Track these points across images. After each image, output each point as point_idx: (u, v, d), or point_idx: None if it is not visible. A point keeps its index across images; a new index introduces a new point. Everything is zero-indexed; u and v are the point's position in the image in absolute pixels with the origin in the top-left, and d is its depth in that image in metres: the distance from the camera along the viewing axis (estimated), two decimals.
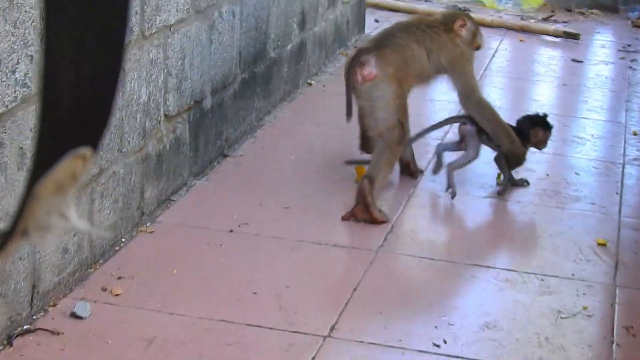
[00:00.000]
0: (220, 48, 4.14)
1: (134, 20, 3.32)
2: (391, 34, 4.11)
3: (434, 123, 4.36)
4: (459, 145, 4.19)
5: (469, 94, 4.12)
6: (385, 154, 3.88)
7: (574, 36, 6.86)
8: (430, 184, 4.15)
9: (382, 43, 4.05)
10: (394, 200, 3.94)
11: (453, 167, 4.06)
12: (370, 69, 4.01)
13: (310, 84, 5.39)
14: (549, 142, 4.31)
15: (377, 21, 7.06)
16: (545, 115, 4.27)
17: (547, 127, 4.24)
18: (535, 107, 5.17)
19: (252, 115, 4.61)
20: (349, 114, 4.03)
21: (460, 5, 7.68)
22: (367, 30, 6.67)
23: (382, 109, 3.97)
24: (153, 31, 3.49)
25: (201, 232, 3.55)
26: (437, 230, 3.74)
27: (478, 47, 4.26)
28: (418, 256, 3.46)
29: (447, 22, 4.18)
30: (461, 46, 4.14)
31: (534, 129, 4.20)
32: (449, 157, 4.15)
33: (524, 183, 4.19)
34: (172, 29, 3.65)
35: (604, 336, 3.00)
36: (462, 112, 4.23)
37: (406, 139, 3.98)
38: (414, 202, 3.95)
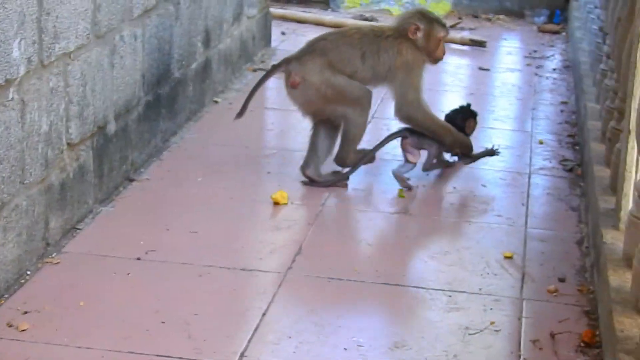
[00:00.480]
0: (123, 72, 4.17)
1: (31, 49, 3.35)
2: (321, 39, 4.45)
3: (375, 144, 4.47)
4: (408, 160, 4.44)
5: (402, 105, 4.34)
6: (350, 131, 4.37)
7: (481, 44, 7.02)
8: (338, 201, 4.23)
9: (307, 49, 4.42)
10: (301, 220, 4.02)
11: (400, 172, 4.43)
12: (294, 76, 4.38)
13: (216, 102, 5.45)
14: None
15: (283, 34, 7.15)
16: (469, 105, 4.63)
17: (475, 116, 4.63)
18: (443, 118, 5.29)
19: (157, 137, 4.65)
20: (240, 114, 4.49)
21: (367, 15, 7.80)
22: (273, 44, 6.76)
23: (323, 103, 4.38)
24: (52, 59, 3.51)
25: (108, 261, 3.58)
26: (346, 250, 3.82)
27: (437, 59, 4.45)
28: (327, 277, 3.53)
29: (400, 28, 4.38)
30: (408, 54, 4.33)
31: (468, 120, 4.59)
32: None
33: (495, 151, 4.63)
34: (72, 56, 3.68)
35: (511, 351, 3.10)
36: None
37: (364, 105, 4.35)
38: (322, 221, 4.03)
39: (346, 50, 4.37)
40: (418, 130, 4.40)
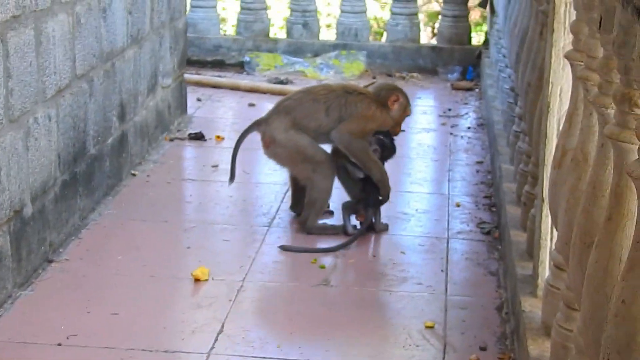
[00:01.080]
0: (38, 154, 4.17)
1: None
2: (287, 98, 4.82)
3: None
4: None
5: (344, 131, 4.70)
6: (312, 195, 4.70)
7: None
8: (259, 275, 4.26)
9: (273, 110, 4.79)
10: (222, 297, 4.03)
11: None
12: (265, 137, 4.74)
13: (134, 175, 5.45)
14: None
15: (199, 100, 7.18)
16: (388, 133, 4.89)
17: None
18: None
19: (75, 216, 4.65)
20: (231, 178, 4.80)
21: (282, 77, 7.88)
22: (190, 111, 6.79)
23: (291, 163, 4.78)
24: None
25: (28, 349, 3.56)
26: (268, 326, 3.85)
27: (397, 133, 4.95)
28: (250, 356, 3.55)
29: (378, 94, 4.82)
30: (375, 111, 4.75)
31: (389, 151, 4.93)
32: None
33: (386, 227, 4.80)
34: None
35: None
36: None
37: (327, 171, 4.71)
38: (243, 297, 4.05)
39: (310, 106, 4.73)
40: (352, 159, 4.75)
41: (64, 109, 4.47)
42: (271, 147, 4.75)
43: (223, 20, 14.23)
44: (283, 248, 4.51)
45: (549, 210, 3.52)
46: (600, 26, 2.55)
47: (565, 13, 3.60)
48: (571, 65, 3.24)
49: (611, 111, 2.49)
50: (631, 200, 2.31)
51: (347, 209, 4.79)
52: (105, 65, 5.02)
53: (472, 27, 8.90)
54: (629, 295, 2.07)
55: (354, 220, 4.77)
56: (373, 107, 4.75)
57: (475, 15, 12.58)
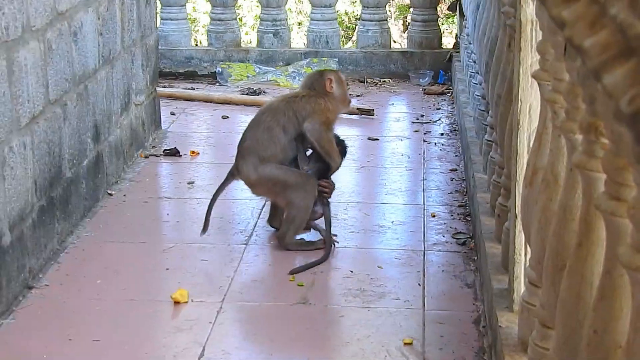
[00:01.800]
0: (15, 182, 4.20)
1: None
2: (243, 140, 4.93)
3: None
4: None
5: (314, 123, 4.84)
6: (291, 213, 4.79)
7: (368, 112, 7.18)
8: (239, 295, 4.30)
9: (237, 155, 4.92)
10: (202, 319, 4.07)
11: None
12: (246, 184, 4.92)
13: (110, 195, 5.48)
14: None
15: (173, 114, 7.21)
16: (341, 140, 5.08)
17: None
18: (336, 197, 5.41)
19: (53, 240, 4.67)
20: (204, 229, 4.83)
21: (255, 87, 7.92)
22: (164, 126, 6.82)
23: (272, 195, 4.90)
24: None
25: None
26: (249, 347, 3.89)
27: (349, 101, 5.18)
28: None
29: (313, 87, 4.96)
30: (325, 104, 4.89)
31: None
32: None
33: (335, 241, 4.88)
34: None
35: None
36: None
37: (306, 190, 4.80)
38: (223, 319, 4.08)
39: (266, 137, 4.84)
40: (316, 149, 4.90)
41: (39, 136, 4.49)
42: (254, 189, 4.93)
43: (196, 30, 14.29)
44: (292, 272, 4.52)
45: (521, 226, 3.58)
46: (565, 51, 2.59)
47: (531, 32, 3.64)
48: (539, 84, 3.28)
49: (579, 137, 2.53)
50: (600, 227, 2.35)
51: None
52: (78, 89, 5.05)
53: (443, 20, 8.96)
54: (600, 325, 2.13)
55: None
56: (319, 100, 4.89)
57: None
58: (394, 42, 14.54)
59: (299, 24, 14.40)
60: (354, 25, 14.46)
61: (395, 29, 15.11)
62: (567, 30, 1.38)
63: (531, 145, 3.52)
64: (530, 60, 3.65)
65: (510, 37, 4.30)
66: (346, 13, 14.83)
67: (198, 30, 14.43)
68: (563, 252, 2.70)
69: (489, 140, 5.05)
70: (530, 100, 3.68)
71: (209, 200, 4.89)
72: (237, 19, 8.70)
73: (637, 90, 0.94)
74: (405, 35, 9.20)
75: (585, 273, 2.44)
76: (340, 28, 15.41)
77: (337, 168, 4.99)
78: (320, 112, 4.88)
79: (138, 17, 6.18)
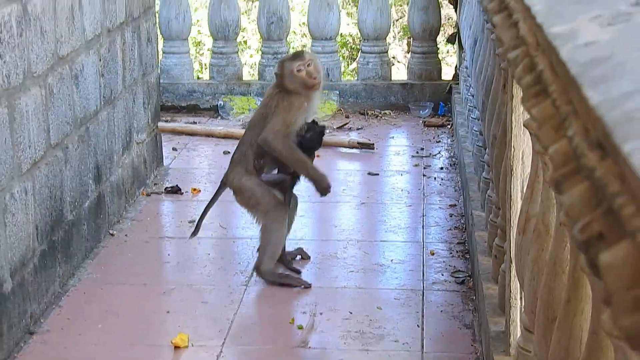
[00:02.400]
0: (16, 229, 4.25)
1: None
2: (235, 151, 5.09)
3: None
4: None
5: (268, 131, 4.81)
6: (263, 239, 4.88)
7: (369, 146, 7.22)
8: (238, 339, 4.33)
9: (230, 164, 5.04)
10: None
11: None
12: (229, 184, 5.01)
13: (112, 235, 5.52)
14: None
15: (175, 149, 7.26)
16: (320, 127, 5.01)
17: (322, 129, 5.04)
18: (336, 235, 5.46)
19: (55, 284, 4.71)
20: (194, 232, 5.05)
21: None
22: (166, 162, 6.87)
23: (250, 209, 4.96)
24: None
25: None
26: None
27: (311, 85, 4.86)
28: None
29: (273, 85, 5.00)
30: (284, 99, 4.83)
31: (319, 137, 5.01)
32: None
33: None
34: None
35: None
36: None
37: (277, 218, 4.88)
38: None
39: (246, 144, 4.98)
40: (277, 157, 4.87)
41: (40, 180, 4.54)
42: (236, 197, 4.99)
43: (201, 53, 14.37)
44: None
45: (516, 271, 3.61)
46: None
47: None
48: (530, 133, 3.32)
49: None
50: (588, 284, 2.38)
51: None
52: (79, 131, 5.10)
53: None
54: None
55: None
56: (281, 96, 4.84)
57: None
58: (398, 62, 14.62)
59: (303, 46, 14.46)
60: (358, 47, 14.55)
61: (400, 49, 15.17)
62: (536, 129, 1.42)
63: (524, 191, 3.55)
64: (522, 107, 3.69)
65: (505, 79, 4.33)
66: (350, 35, 14.91)
67: (203, 53, 14.51)
68: (553, 305, 2.73)
69: (486, 178, 5.08)
70: (523, 146, 3.72)
71: (204, 208, 5.06)
72: (239, 52, 8.75)
73: (590, 218, 0.98)
74: (409, 55, 9.25)
75: (573, 330, 2.46)
76: (345, 49, 15.58)
77: (310, 172, 4.87)
78: (277, 117, 4.82)
79: (139, 56, 6.24)
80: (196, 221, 5.08)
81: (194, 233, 5.02)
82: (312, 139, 4.93)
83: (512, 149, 3.74)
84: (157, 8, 7.53)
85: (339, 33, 8.94)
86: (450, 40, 8.89)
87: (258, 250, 4.94)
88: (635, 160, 0.83)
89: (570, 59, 1.19)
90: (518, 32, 1.82)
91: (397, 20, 15.31)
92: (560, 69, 1.21)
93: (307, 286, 4.83)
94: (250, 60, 14.45)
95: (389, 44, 15.17)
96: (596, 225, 0.98)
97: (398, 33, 15.28)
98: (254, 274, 4.91)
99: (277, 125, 4.80)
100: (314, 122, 4.99)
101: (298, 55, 4.95)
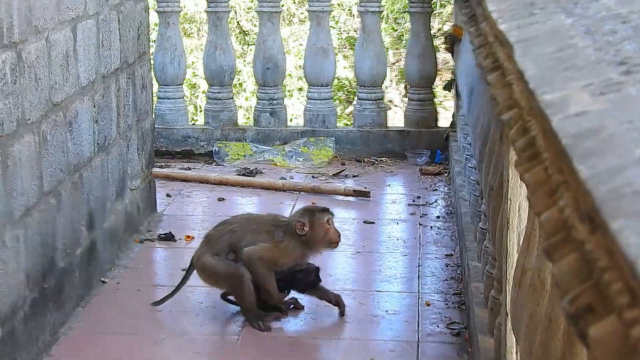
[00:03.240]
0: (7, 277, 4.26)
1: None
2: (214, 227, 5.24)
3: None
4: None
5: (254, 251, 4.93)
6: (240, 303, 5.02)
7: (364, 194, 7.25)
8: None
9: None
10: None
11: None
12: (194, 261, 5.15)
13: (104, 282, 5.53)
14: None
15: (169, 196, 7.29)
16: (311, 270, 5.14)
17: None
18: (331, 284, 5.47)
19: (45, 332, 4.72)
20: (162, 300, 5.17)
21: (252, 167, 8.00)
22: (159, 209, 6.89)
23: (217, 284, 5.12)
24: None
25: None
26: None
27: (332, 242, 5.08)
28: None
29: (290, 224, 5.02)
30: (288, 243, 4.96)
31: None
32: None
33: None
34: None
35: None
36: None
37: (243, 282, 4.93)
38: None
39: (229, 233, 5.03)
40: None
41: (32, 228, 4.57)
42: (200, 276, 5.10)
43: (195, 96, 14.45)
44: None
45: (511, 325, 3.62)
46: None
47: None
48: (526, 186, 3.35)
49: None
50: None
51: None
52: (72, 178, 5.13)
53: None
54: None
55: None
56: (287, 239, 4.97)
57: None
58: (395, 105, 14.72)
59: (300, 89, 14.56)
60: (354, 90, 14.68)
61: (397, 93, 15.26)
62: (529, 193, 1.45)
63: (520, 244, 3.57)
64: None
65: (502, 129, 4.37)
66: (347, 78, 15.02)
67: (198, 96, 14.58)
68: None
69: (483, 229, 5.11)
70: (519, 199, 3.75)
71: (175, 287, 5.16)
72: (233, 98, 8.81)
73: (580, 290, 1.01)
74: (406, 100, 9.32)
75: None
76: (342, 92, 15.67)
77: (271, 298, 5.01)
78: (269, 249, 4.96)
79: (134, 102, 6.29)
80: (165, 296, 5.18)
81: (158, 303, 5.14)
82: (305, 280, 5.13)
83: (509, 201, 3.77)
84: (152, 52, 7.59)
85: (335, 77, 9.01)
86: (447, 87, 8.96)
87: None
88: (622, 238, 0.85)
89: (561, 130, 1.22)
90: (512, 92, 1.85)
91: (394, 64, 15.42)
92: (551, 139, 1.24)
93: (299, 307, 5.09)
94: (245, 103, 14.54)
95: (387, 88, 15.31)
96: (585, 298, 1.01)
97: (395, 77, 15.39)
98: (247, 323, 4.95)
99: (269, 254, 4.95)
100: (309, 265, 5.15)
101: (326, 210, 5.13)
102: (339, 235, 5.08)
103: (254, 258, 4.91)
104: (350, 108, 13.24)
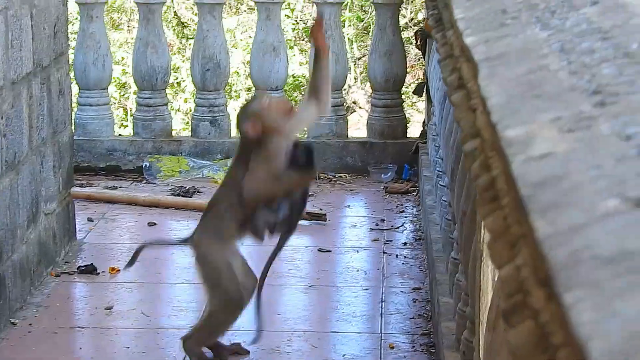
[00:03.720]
0: None
1: None
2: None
3: None
4: None
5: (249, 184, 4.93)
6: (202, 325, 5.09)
7: (320, 217, 7.28)
8: None
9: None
10: None
11: None
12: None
13: (14, 324, 5.52)
14: None
15: (90, 220, 7.28)
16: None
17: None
18: (280, 324, 5.49)
19: None
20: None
21: (188, 186, 8.01)
22: (79, 236, 6.89)
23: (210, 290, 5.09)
24: None
25: None
26: None
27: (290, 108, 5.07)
28: None
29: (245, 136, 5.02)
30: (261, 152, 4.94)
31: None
32: None
33: None
34: None
35: None
36: None
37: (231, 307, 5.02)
38: None
39: (225, 202, 5.05)
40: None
41: None
42: (196, 263, 5.07)
43: (126, 97, 14.44)
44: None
45: None
46: None
47: None
48: (487, 231, 3.39)
49: None
50: None
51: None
52: None
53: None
54: None
55: None
56: (255, 160, 4.96)
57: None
58: (360, 107, 14.76)
59: (248, 89, 14.57)
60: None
61: (362, 93, 15.29)
62: (490, 241, 1.48)
63: (495, 280, 3.62)
64: None
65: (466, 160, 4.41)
66: (304, 76, 15.07)
67: (128, 97, 14.55)
68: None
69: (455, 259, 5.15)
70: None
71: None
72: (168, 104, 8.81)
73: None
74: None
75: None
76: (298, 92, 15.64)
77: (296, 180, 5.02)
78: (260, 166, 4.96)
79: (49, 112, 6.29)
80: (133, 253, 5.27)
81: (129, 264, 5.27)
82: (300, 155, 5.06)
83: (482, 231, 3.82)
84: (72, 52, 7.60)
85: (291, 75, 9.04)
86: (417, 91, 9.01)
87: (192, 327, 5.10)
88: (575, 314, 0.89)
89: (521, 176, 1.26)
90: (476, 119, 1.89)
91: (359, 59, 15.46)
92: (511, 185, 1.28)
93: (244, 353, 5.13)
94: (184, 106, 14.51)
95: (350, 87, 15.35)
96: None
97: (360, 74, 15.41)
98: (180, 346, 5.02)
99: (261, 173, 4.94)
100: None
101: (255, 96, 5.13)
102: (284, 101, 5.21)
103: (252, 185, 4.91)
104: None
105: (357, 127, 11.71)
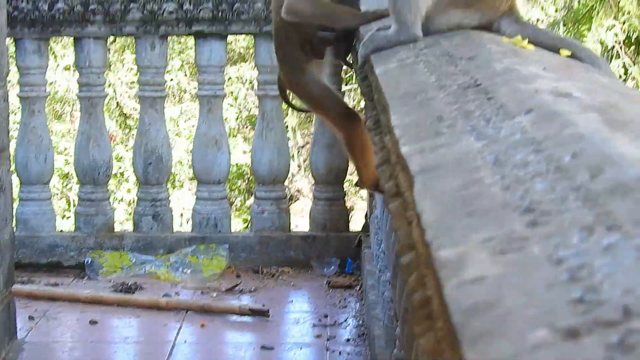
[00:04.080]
0: None
1: None
2: None
3: None
4: None
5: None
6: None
7: (263, 313, 7.26)
8: None
9: None
10: None
11: None
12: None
13: None
14: None
15: (32, 318, 7.21)
16: None
17: None
18: None
19: None
20: None
21: (130, 282, 7.97)
22: (20, 335, 6.81)
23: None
24: None
25: None
26: None
27: None
28: None
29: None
30: None
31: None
32: None
33: None
34: None
35: None
36: None
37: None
38: None
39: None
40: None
41: None
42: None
43: (69, 201, 14.38)
44: None
45: None
46: None
47: None
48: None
49: None
50: None
51: None
52: None
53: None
54: None
55: None
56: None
57: None
58: (304, 196, 14.82)
59: (191, 179, 14.56)
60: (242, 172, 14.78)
61: (306, 182, 15.36)
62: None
63: None
64: None
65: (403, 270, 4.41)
66: (247, 165, 15.12)
67: (72, 188, 14.52)
68: None
69: (398, 358, 5.13)
70: None
71: None
72: (109, 198, 8.79)
73: None
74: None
75: None
76: (242, 181, 15.72)
77: (358, 19, 4.87)
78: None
79: None
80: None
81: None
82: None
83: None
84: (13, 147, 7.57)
85: (234, 164, 9.06)
86: (358, 182, 9.03)
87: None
88: None
89: (453, 301, 1.26)
90: (412, 232, 1.90)
91: (302, 147, 15.54)
92: (444, 309, 1.29)
93: None
94: (127, 196, 14.49)
95: (294, 176, 15.38)
96: None
97: (304, 162, 15.48)
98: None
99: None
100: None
101: None
102: None
103: (295, 12, 4.86)
104: (252, 200, 13.28)
105: (302, 215, 11.73)
